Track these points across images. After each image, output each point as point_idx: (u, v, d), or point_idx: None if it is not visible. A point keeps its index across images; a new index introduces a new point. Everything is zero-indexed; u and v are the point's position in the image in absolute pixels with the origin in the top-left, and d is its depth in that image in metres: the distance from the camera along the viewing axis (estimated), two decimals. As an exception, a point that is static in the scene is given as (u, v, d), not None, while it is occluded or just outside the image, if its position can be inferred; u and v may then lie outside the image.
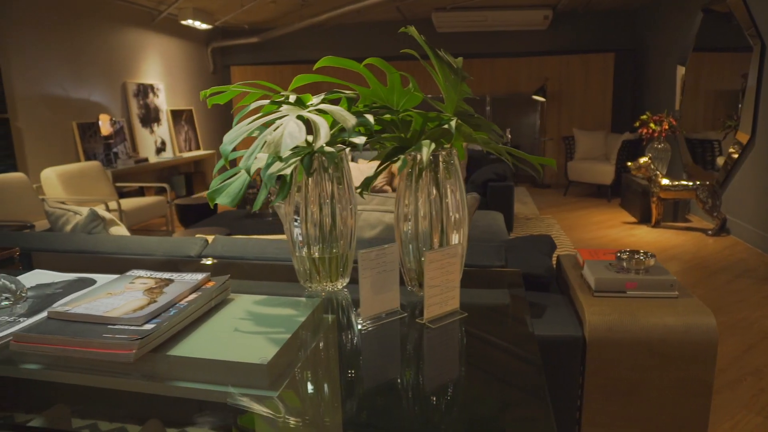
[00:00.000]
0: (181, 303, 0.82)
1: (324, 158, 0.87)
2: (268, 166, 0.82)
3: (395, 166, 4.34)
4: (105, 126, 4.92)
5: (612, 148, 5.94)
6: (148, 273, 0.95)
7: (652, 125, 4.48)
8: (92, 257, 1.38)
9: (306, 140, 0.86)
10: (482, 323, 0.85)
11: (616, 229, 4.39)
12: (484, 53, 7.13)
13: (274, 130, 0.77)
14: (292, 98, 0.90)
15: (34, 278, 1.01)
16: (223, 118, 7.85)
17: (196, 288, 0.88)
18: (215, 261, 1.32)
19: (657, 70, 5.94)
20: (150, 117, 5.89)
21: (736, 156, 4.15)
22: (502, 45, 7.01)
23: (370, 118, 0.83)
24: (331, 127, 0.87)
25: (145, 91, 5.83)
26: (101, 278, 1.00)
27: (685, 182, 4.16)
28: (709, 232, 4.15)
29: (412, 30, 0.89)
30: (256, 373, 0.68)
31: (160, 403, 0.66)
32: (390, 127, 0.91)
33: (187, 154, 6.27)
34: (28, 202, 3.27)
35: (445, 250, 0.82)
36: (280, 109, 0.86)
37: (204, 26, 6.17)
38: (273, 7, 5.76)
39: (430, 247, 0.89)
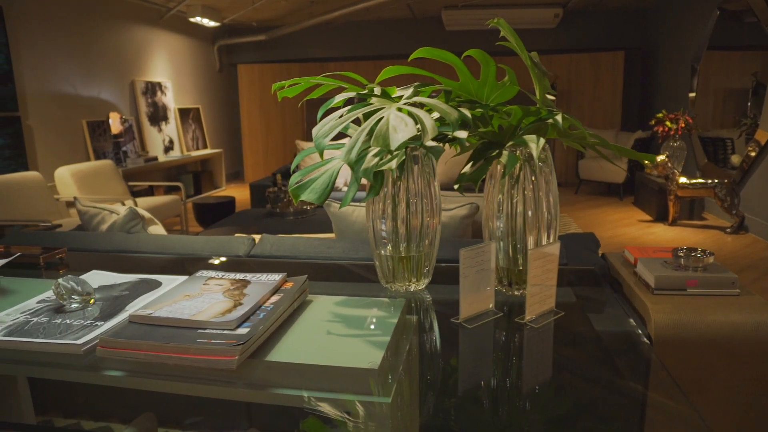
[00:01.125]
0: (266, 305, 0.77)
1: (418, 154, 0.83)
2: (359, 160, 0.78)
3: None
4: (115, 124, 4.86)
5: (623, 146, 5.91)
6: (220, 273, 0.91)
7: (668, 123, 4.45)
8: (137, 257, 1.33)
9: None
10: (579, 322, 0.81)
11: (633, 227, 4.36)
12: (493, 51, 7.06)
13: (374, 124, 0.72)
14: (377, 91, 0.86)
15: (93, 279, 0.96)
16: (228, 116, 7.79)
17: (276, 289, 0.84)
18: (264, 260, 1.27)
19: (668, 68, 5.91)
20: (158, 115, 5.82)
21: (753, 154, 4.13)
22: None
23: (466, 111, 0.78)
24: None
25: (153, 89, 5.77)
26: (164, 279, 0.96)
27: (703, 180, 4.13)
28: (728, 230, 4.12)
29: (502, 22, 0.85)
30: (367, 379, 0.63)
31: (247, 410, 0.61)
32: (475, 122, 0.86)
33: (195, 153, 6.21)
34: (44, 202, 3.21)
35: (547, 248, 0.78)
36: (371, 102, 0.81)
37: (212, 24, 6.11)
38: (283, 4, 5.71)
39: (520, 245, 0.85)
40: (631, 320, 1.05)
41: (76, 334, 0.72)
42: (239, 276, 0.90)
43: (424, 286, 0.92)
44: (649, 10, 6.48)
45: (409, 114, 0.73)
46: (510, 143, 0.84)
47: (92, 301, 0.84)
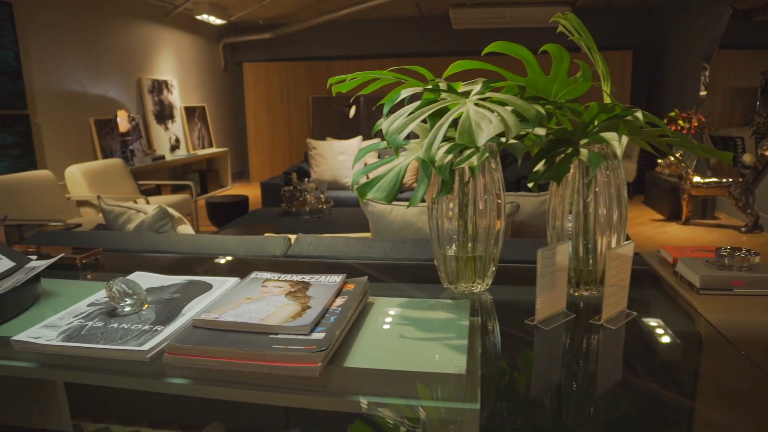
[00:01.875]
0: (333, 308, 0.74)
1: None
2: (430, 158, 0.74)
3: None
4: (123, 122, 4.82)
5: (632, 145, 5.88)
6: (275, 275, 0.87)
7: (680, 122, 4.43)
8: (169, 257, 1.29)
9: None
10: (651, 323, 0.77)
11: (646, 226, 4.33)
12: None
13: (453, 120, 0.69)
14: (442, 86, 0.82)
15: (138, 281, 0.92)
16: (233, 115, 7.74)
17: (339, 291, 0.80)
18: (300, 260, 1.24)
19: (676, 67, 5.88)
20: (164, 114, 5.78)
21: (768, 153, 4.10)
22: (518, 42, 6.92)
23: (540, 108, 0.75)
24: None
25: (159, 87, 5.72)
26: (212, 281, 0.92)
27: (717, 179, 4.11)
28: (743, 229, 4.09)
29: (570, 16, 0.81)
30: (454, 384, 0.60)
31: (320, 418, 0.58)
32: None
33: (201, 152, 6.17)
34: (56, 201, 3.17)
35: (623, 248, 0.74)
36: (442, 98, 0.78)
37: (218, 21, 6.06)
38: (291, 2, 5.66)
39: (591, 245, 0.81)
40: (705, 319, 1.02)
41: (137, 340, 0.68)
42: (296, 277, 0.86)
43: (487, 287, 0.89)
44: (658, 9, 6.45)
45: (488, 110, 0.70)
46: (584, 141, 0.80)
47: (146, 305, 0.80)
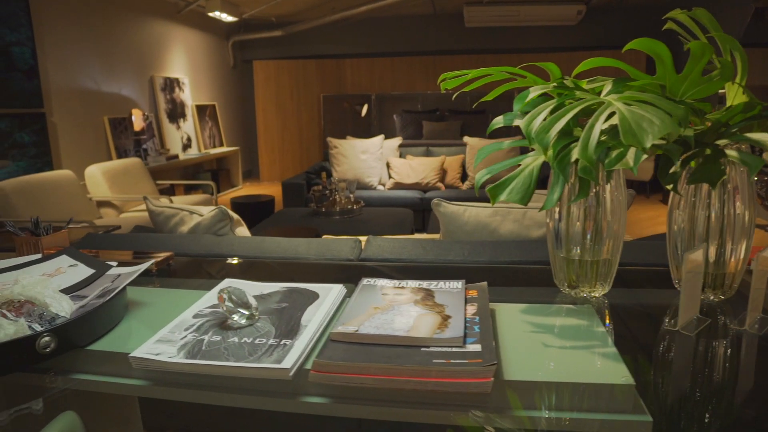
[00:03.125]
0: (470, 317, 0.69)
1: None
2: (589, 158, 0.69)
3: (450, 161, 4.21)
4: (138, 121, 4.75)
5: (648, 144, 5.85)
6: (389, 282, 0.82)
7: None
8: (245, 262, 1.24)
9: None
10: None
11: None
12: (512, 49, 7.01)
13: (602, 117, 0.64)
14: (568, 84, 0.77)
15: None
16: (241, 114, 7.68)
17: (465, 297, 0.75)
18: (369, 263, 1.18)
19: (693, 65, 5.84)
20: (176, 112, 5.71)
21: (793, 152, 4.07)
22: (531, 41, 6.89)
23: (684, 108, 0.70)
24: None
25: (171, 85, 5.65)
26: (313, 288, 0.87)
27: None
28: None
29: (701, 12, 0.76)
30: (622, 395, 0.55)
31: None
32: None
33: (213, 151, 6.11)
34: (78, 201, 3.10)
35: (776, 253, 0.70)
36: (579, 96, 0.72)
37: (230, 19, 5.99)
38: (304, -1, 5.60)
39: (723, 249, 0.77)
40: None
41: (271, 356, 0.63)
42: (411, 283, 0.81)
43: (607, 291, 0.84)
44: (672, 7, 6.41)
45: (641, 110, 0.65)
46: (723, 141, 0.75)
47: (257, 315, 0.75)
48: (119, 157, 4.58)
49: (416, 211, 3.67)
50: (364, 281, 0.82)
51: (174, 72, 5.78)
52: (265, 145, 7.29)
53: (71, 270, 0.96)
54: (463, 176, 4.21)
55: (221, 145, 6.59)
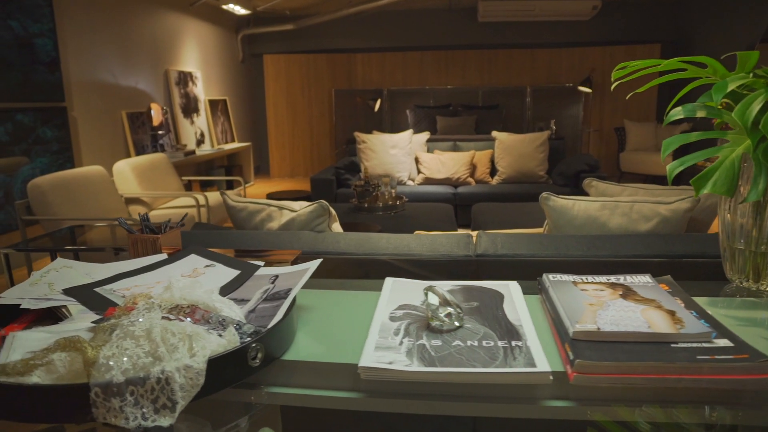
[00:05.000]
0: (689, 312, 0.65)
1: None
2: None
3: (480, 155, 4.17)
4: (157, 115, 4.64)
5: (664, 139, 5.87)
6: (572, 277, 0.78)
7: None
8: (339, 258, 1.19)
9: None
10: None
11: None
12: (525, 43, 6.98)
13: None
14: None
15: (405, 289, 0.82)
16: (251, 108, 7.57)
17: (665, 292, 0.71)
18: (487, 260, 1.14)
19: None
20: (190, 107, 5.61)
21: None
22: (544, 35, 6.87)
23: None
24: None
25: (185, 79, 5.55)
26: (490, 285, 0.82)
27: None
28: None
29: None
30: None
31: None
32: None
33: (227, 146, 6.01)
34: (110, 198, 3.01)
35: None
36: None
37: (243, 11, 5.89)
38: (321, -8, 5.51)
39: None
40: None
41: (515, 360, 0.58)
42: (601, 278, 0.77)
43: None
44: (687, 0, 6.42)
45: None
46: None
47: (459, 313, 0.70)
48: (137, 152, 4.48)
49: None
50: (552, 276, 0.78)
51: (187, 66, 5.67)
52: (276, 140, 7.20)
53: (210, 271, 0.90)
54: (492, 171, 4.18)
55: (233, 140, 6.49)
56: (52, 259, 2.40)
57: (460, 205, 3.72)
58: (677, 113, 0.83)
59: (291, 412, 0.58)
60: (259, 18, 7.02)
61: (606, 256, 1.17)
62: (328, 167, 4.25)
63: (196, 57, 5.87)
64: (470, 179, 4.00)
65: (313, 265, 0.78)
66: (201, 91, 5.88)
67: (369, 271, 1.19)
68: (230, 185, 6.04)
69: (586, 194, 1.54)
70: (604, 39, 6.74)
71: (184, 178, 4.52)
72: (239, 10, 5.79)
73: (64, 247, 2.00)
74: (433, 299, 0.68)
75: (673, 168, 0.78)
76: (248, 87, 7.43)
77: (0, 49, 3.23)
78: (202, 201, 3.19)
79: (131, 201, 3.32)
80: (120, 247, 2.00)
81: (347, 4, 6.01)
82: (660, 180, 5.79)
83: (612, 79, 0.86)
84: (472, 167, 4.02)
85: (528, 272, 1.23)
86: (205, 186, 5.54)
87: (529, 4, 6.14)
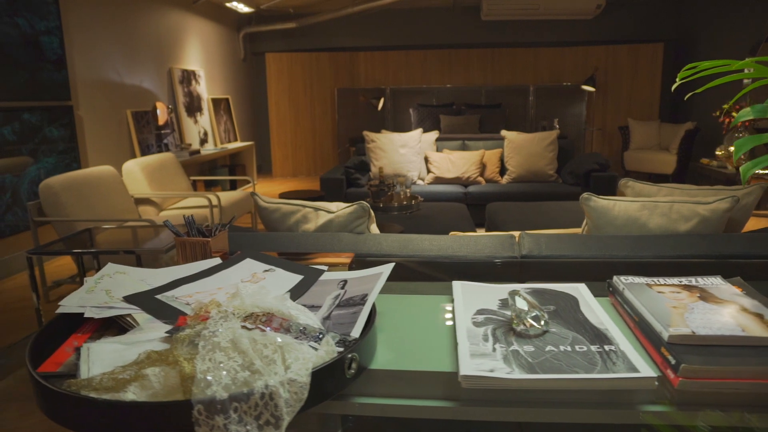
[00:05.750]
0: None
1: None
2: None
3: (489, 155, 4.16)
4: (162, 114, 4.60)
5: (668, 138, 5.89)
6: (644, 279, 0.77)
7: (734, 114, 4.42)
8: (411, 260, 1.17)
9: None
10: None
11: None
12: (528, 42, 6.98)
13: None
14: None
15: (476, 292, 0.81)
16: (253, 107, 7.52)
17: (740, 293, 0.70)
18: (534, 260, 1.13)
19: (711, 59, 5.88)
20: (193, 105, 5.56)
21: (824, 145, 4.11)
22: (547, 34, 6.87)
23: None
24: None
25: (188, 77, 5.50)
26: (559, 288, 0.81)
27: (775, 172, 4.11)
28: (801, 222, 4.11)
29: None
30: None
31: None
32: None
33: (231, 146, 5.97)
34: (121, 199, 2.97)
35: None
36: None
37: (246, 9, 5.84)
38: (325, -10, 5.48)
39: None
40: None
41: (615, 365, 0.57)
42: (674, 280, 0.76)
43: None
44: (691, 1, 6.45)
45: None
46: None
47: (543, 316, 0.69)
48: (142, 152, 4.44)
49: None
50: (622, 279, 0.77)
51: (190, 64, 5.62)
52: (278, 139, 7.16)
53: (270, 276, 0.88)
54: (502, 170, 4.17)
55: (236, 139, 6.45)
56: (77, 263, 2.34)
57: (471, 205, 3.71)
58: (746, 114, 0.82)
59: (372, 422, 0.57)
60: (261, 16, 6.97)
61: (646, 257, 1.16)
62: (337, 166, 4.23)
63: (198, 55, 5.82)
64: (480, 178, 3.99)
65: (387, 269, 0.76)
66: (204, 89, 5.84)
67: (416, 274, 1.17)
68: (234, 185, 6.00)
69: (599, 193, 1.53)
70: (608, 38, 6.76)
71: (190, 178, 4.48)
72: (242, 8, 5.74)
73: (88, 250, 1.96)
74: (521, 303, 0.66)
75: (746, 169, 0.77)
76: (250, 86, 7.39)
77: (7, 47, 3.18)
78: (215, 201, 3.16)
79: (140, 201, 3.28)
80: (154, 248, 1.97)
81: (350, 3, 5.98)
82: (663, 178, 5.80)
83: (677, 79, 0.84)
84: (482, 166, 4.01)
85: (572, 273, 1.22)
86: (209, 186, 5.50)
87: (532, 3, 6.14)
